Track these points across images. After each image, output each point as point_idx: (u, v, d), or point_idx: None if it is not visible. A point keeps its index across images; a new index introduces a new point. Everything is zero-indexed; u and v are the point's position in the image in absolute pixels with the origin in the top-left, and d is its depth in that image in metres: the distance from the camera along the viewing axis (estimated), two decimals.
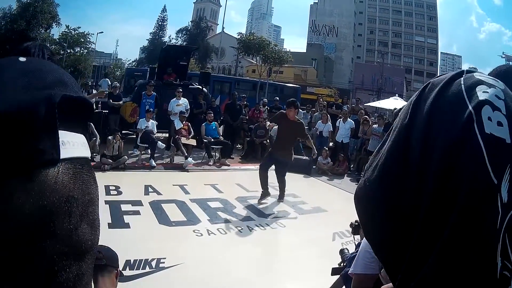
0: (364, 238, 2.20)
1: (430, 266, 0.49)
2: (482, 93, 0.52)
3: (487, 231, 0.47)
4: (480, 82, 0.54)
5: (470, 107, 0.51)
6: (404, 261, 0.53)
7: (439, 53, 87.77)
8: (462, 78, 0.55)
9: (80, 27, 36.30)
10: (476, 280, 0.47)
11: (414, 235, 0.52)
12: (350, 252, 3.05)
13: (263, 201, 6.87)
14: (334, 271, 3.04)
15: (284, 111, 7.05)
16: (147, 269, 4.02)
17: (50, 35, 36.10)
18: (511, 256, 0.47)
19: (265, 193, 6.88)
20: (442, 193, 0.49)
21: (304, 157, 10.28)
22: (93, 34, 38.51)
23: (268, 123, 7.57)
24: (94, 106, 9.42)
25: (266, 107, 13.43)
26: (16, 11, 33.10)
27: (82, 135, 0.43)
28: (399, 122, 0.58)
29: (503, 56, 48.97)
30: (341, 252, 3.29)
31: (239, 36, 34.70)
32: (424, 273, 0.49)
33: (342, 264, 3.13)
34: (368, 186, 0.60)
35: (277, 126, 7.46)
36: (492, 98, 0.52)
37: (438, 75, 0.61)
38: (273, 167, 6.95)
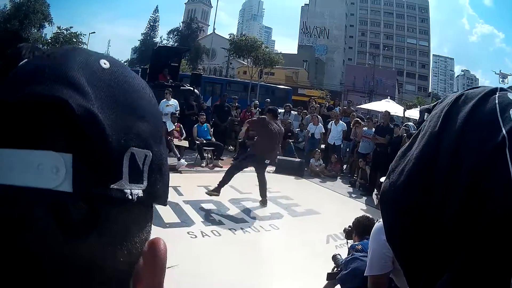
0: (372, 240, 2.26)
1: (444, 283, 0.49)
2: None
3: (506, 257, 0.45)
4: None
5: (504, 131, 0.48)
6: (423, 273, 0.53)
7: (431, 55, 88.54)
8: (496, 96, 0.53)
9: (72, 27, 35.74)
10: None
11: (435, 249, 0.51)
12: (343, 257, 3.11)
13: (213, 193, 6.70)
14: (329, 276, 3.09)
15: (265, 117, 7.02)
16: None
17: (43, 35, 35.67)
18: None
19: (218, 190, 6.69)
20: (464, 213, 0.48)
21: (296, 159, 10.32)
22: (85, 34, 37.84)
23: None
24: None
25: (258, 108, 13.42)
26: (9, 11, 32.71)
27: None
28: (428, 129, 0.57)
29: (499, 73, 49.61)
30: (334, 257, 3.34)
31: (230, 37, 33.93)
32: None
33: (336, 269, 3.19)
34: (395, 191, 0.59)
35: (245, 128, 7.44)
36: None
37: (472, 86, 0.59)
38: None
